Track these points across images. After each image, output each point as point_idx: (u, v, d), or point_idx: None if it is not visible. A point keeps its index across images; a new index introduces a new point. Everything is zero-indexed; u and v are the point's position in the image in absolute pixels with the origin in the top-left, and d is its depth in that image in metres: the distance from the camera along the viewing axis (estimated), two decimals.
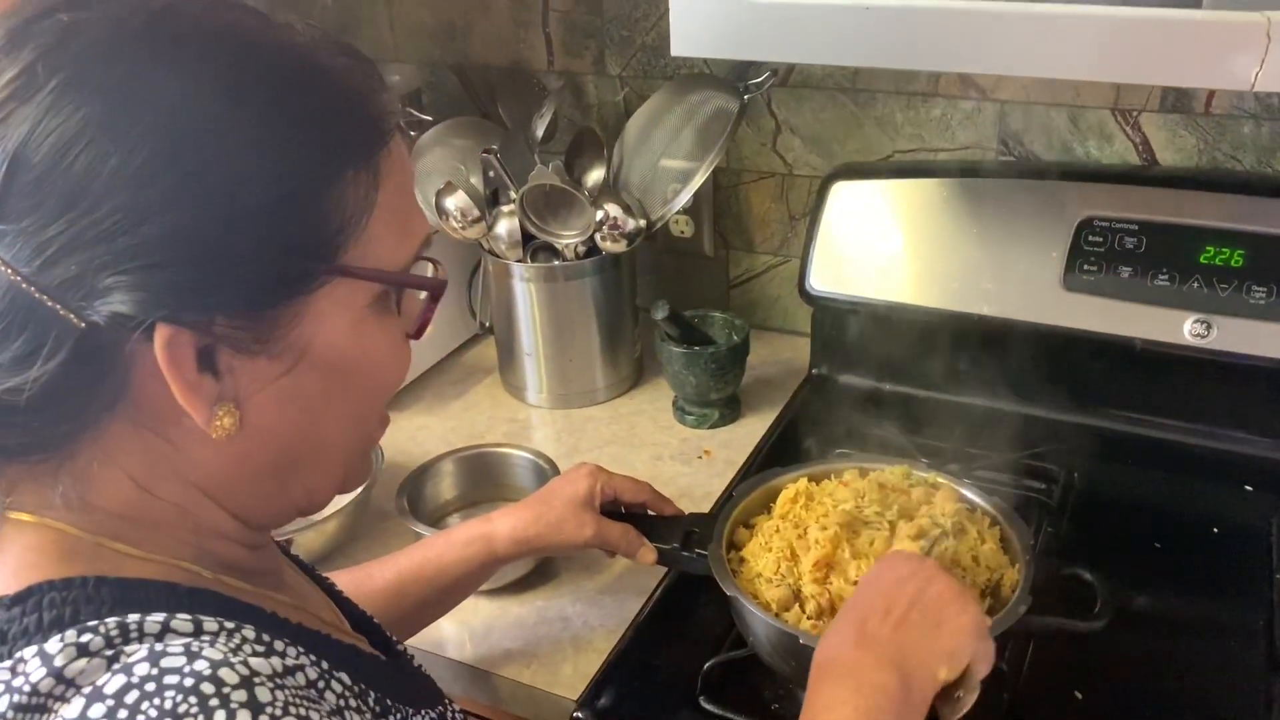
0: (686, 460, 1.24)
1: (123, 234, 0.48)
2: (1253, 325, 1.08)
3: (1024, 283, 1.18)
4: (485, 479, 1.15)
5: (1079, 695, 0.89)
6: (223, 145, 0.50)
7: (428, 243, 0.61)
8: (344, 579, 0.85)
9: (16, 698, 0.47)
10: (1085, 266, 1.15)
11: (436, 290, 0.61)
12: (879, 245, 1.25)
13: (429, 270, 0.62)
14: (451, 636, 1.00)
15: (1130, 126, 1.20)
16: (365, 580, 0.89)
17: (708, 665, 0.91)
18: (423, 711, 0.64)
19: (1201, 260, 1.11)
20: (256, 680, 0.48)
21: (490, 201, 1.30)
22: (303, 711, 0.48)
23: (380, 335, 0.58)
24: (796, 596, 0.86)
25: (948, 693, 0.70)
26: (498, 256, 1.30)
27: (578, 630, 1.00)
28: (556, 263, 1.29)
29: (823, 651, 0.72)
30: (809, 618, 0.85)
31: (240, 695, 0.46)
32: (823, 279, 1.28)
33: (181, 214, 0.49)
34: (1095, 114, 1.21)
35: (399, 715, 0.61)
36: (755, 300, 1.50)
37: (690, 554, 0.93)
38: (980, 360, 1.24)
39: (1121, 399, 1.20)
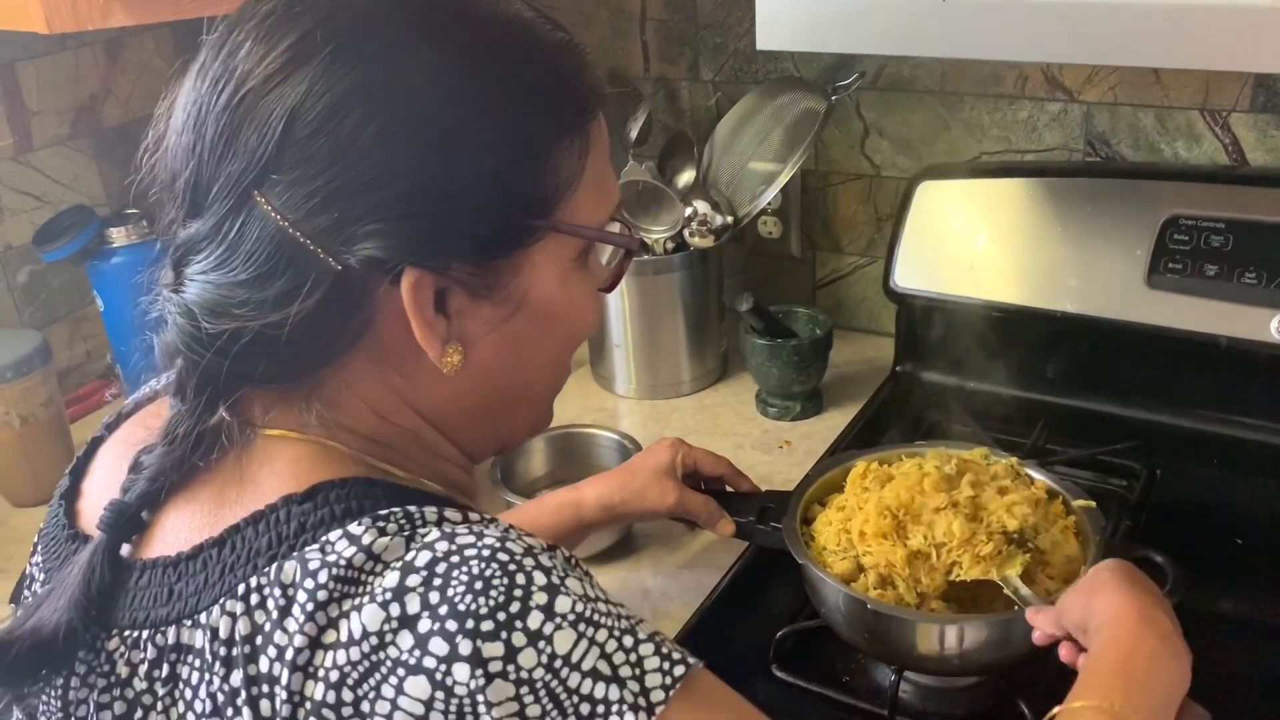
0: (767, 450, 1.28)
1: (380, 188, 0.54)
2: None
3: (1108, 280, 1.19)
4: (573, 458, 1.20)
5: None
6: (465, 112, 0.56)
7: (620, 207, 0.67)
8: None
9: (335, 570, 0.52)
10: (1170, 264, 1.16)
11: (632, 246, 0.68)
12: (964, 244, 1.28)
13: (619, 230, 0.68)
14: None
15: (1219, 126, 1.20)
16: None
17: (780, 634, 0.94)
18: None
19: None
20: (536, 550, 0.54)
21: None
22: (578, 574, 0.54)
23: (581, 287, 0.64)
24: (860, 568, 0.89)
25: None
26: None
27: (656, 601, 1.04)
28: (646, 257, 1.34)
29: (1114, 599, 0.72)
30: (874, 588, 0.88)
31: (530, 561, 0.53)
32: (908, 276, 1.31)
33: (429, 172, 0.55)
34: (1183, 114, 1.21)
35: None
36: (841, 300, 1.53)
37: (765, 527, 0.98)
38: (1064, 358, 1.25)
39: (1205, 397, 1.19)
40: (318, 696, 0.51)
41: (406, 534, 0.54)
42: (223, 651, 0.54)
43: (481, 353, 0.61)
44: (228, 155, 0.55)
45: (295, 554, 0.53)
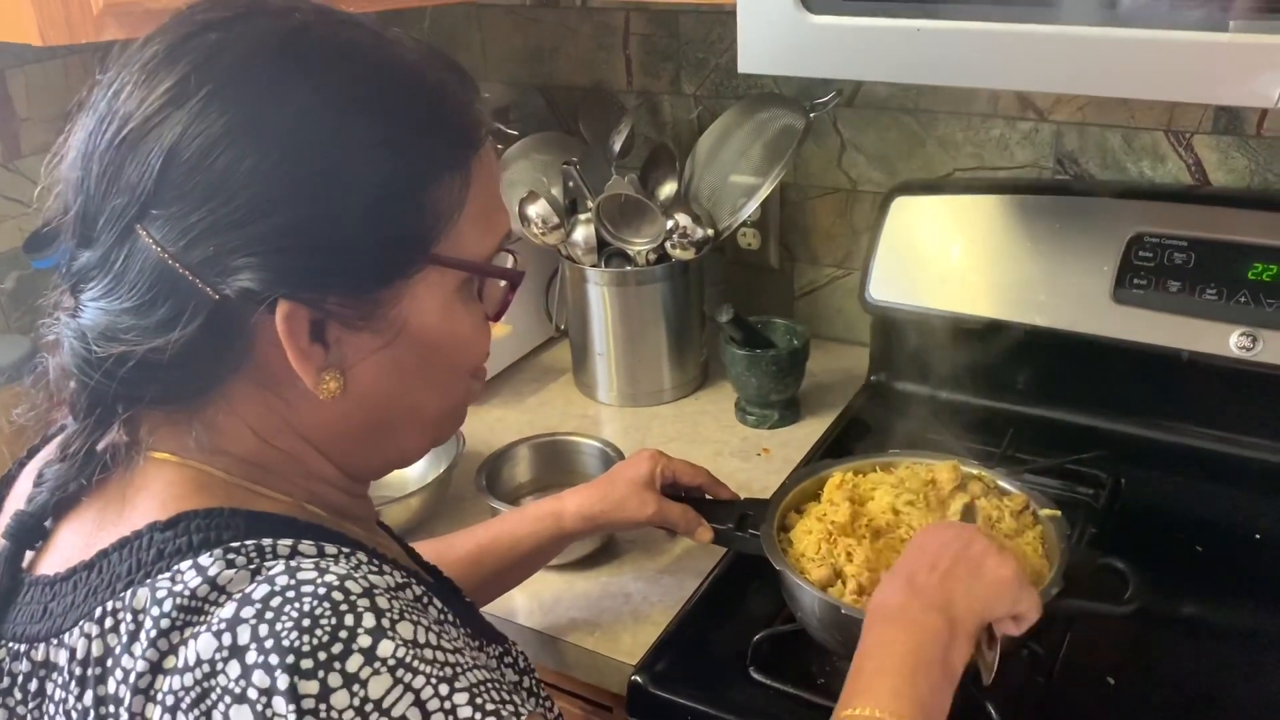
0: (746, 457, 1.31)
1: (254, 222, 0.57)
2: None
3: (1076, 295, 1.22)
4: (556, 465, 1.23)
5: (1111, 681, 0.94)
6: (340, 150, 0.58)
7: (509, 237, 0.69)
8: (426, 549, 0.92)
9: (179, 600, 0.55)
10: (1135, 281, 1.20)
11: (515, 279, 0.69)
12: (937, 257, 1.31)
13: (509, 262, 0.70)
14: (523, 606, 1.08)
15: (1183, 148, 1.25)
16: (446, 550, 0.97)
17: (757, 638, 0.97)
18: (493, 644, 0.72)
19: (1249, 276, 1.15)
20: (376, 591, 0.55)
21: (569, 210, 1.39)
22: (414, 617, 0.56)
23: (465, 317, 0.66)
24: (838, 575, 0.92)
25: (981, 650, 0.77)
26: (574, 262, 1.39)
27: (638, 605, 1.07)
28: (629, 268, 1.37)
29: (874, 601, 0.79)
30: (851, 595, 0.91)
31: (364, 602, 0.54)
32: (882, 289, 1.35)
33: (304, 208, 0.58)
34: (1149, 135, 1.26)
35: (477, 642, 0.69)
36: (818, 311, 1.56)
37: (744, 534, 1.01)
38: (1032, 369, 1.29)
39: (1168, 409, 1.24)
40: (155, 718, 0.54)
41: (253, 567, 0.56)
42: (78, 671, 0.57)
43: (362, 379, 0.63)
44: (111, 191, 0.58)
45: (149, 581, 0.57)
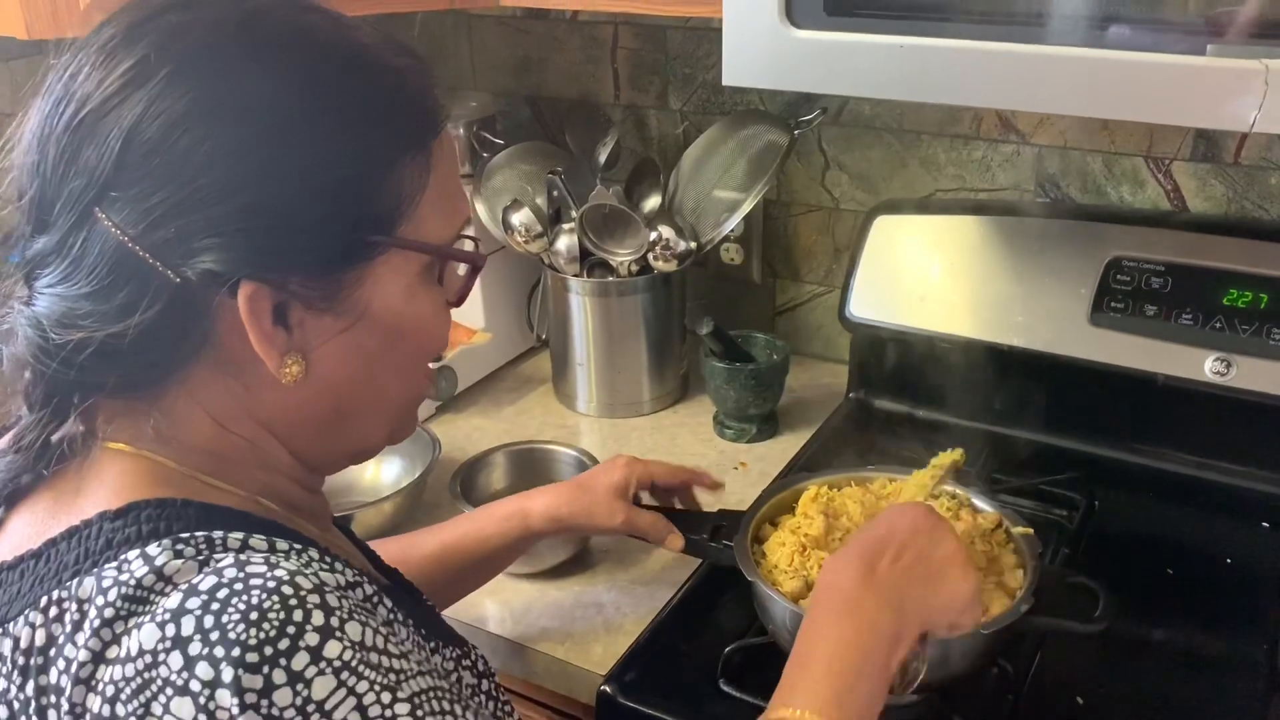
0: (723, 471, 1.30)
1: (216, 204, 0.56)
2: (1273, 366, 1.13)
3: (1053, 317, 1.23)
4: (533, 472, 1.23)
5: (1080, 700, 0.94)
6: (301, 132, 0.58)
7: (469, 224, 0.69)
8: (390, 547, 0.92)
9: (124, 590, 0.54)
10: (1112, 304, 1.21)
11: (477, 263, 0.69)
12: (917, 276, 1.32)
13: (470, 248, 0.69)
14: (493, 614, 1.08)
15: (1162, 174, 1.26)
16: (410, 548, 0.96)
17: (728, 649, 0.97)
18: (451, 646, 0.71)
19: (1225, 302, 1.16)
20: (326, 588, 0.55)
21: (553, 220, 1.39)
22: (363, 618, 0.55)
23: (427, 302, 0.66)
24: (809, 587, 0.92)
25: (908, 659, 0.75)
26: (557, 271, 1.39)
27: (610, 615, 1.07)
28: (611, 279, 1.37)
29: (830, 576, 0.76)
30: None
31: (314, 599, 0.54)
32: (862, 306, 1.35)
33: (265, 189, 0.57)
34: (1129, 160, 1.27)
35: (433, 644, 0.68)
36: (799, 327, 1.57)
37: (717, 544, 1.00)
38: (1009, 389, 1.29)
39: (1143, 432, 1.24)
40: (95, 709, 0.53)
41: (201, 558, 0.56)
42: (21, 660, 0.56)
43: (324, 363, 0.63)
44: (69, 174, 0.57)
45: (95, 570, 0.56)
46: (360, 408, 0.67)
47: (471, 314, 1.48)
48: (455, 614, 1.05)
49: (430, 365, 0.72)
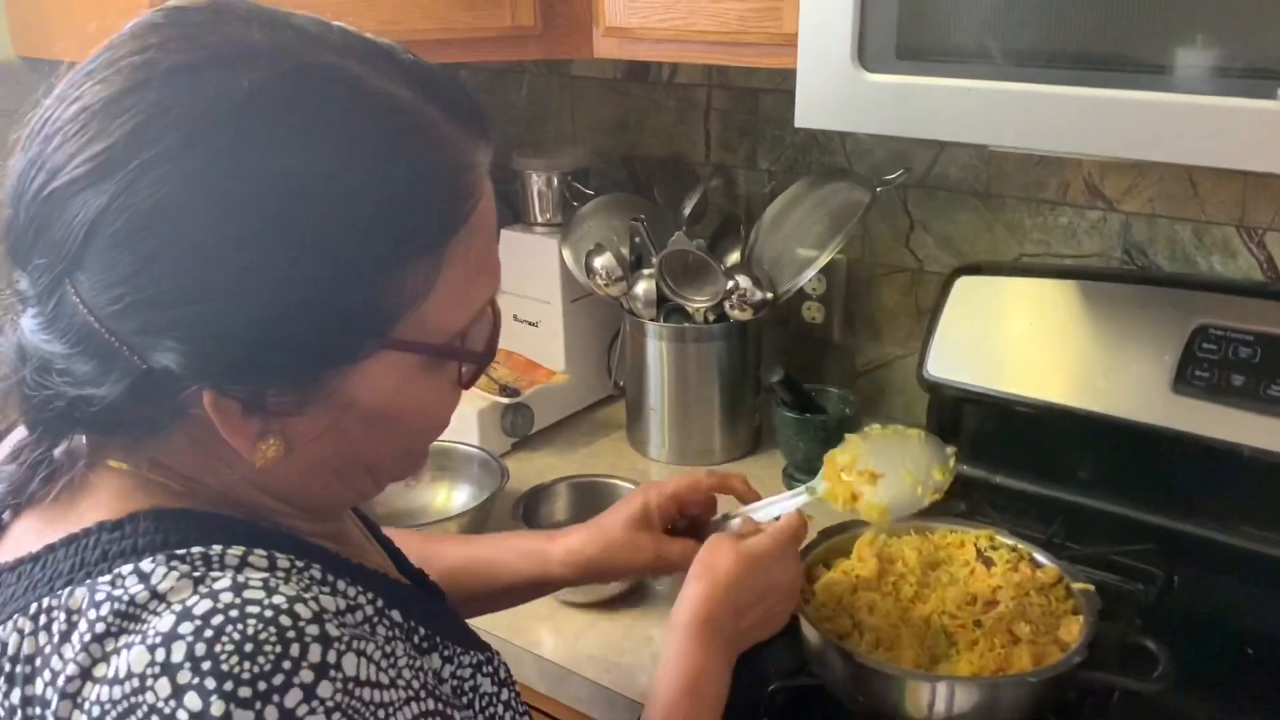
0: None
1: (180, 306, 0.53)
2: None
3: (1135, 384, 1.20)
4: (594, 505, 1.22)
5: None
6: (283, 242, 0.52)
7: (493, 298, 0.63)
8: (415, 543, 0.89)
9: (116, 605, 0.53)
10: (1197, 373, 1.17)
11: (480, 362, 0.64)
12: (997, 339, 1.30)
13: (486, 327, 0.64)
14: (545, 639, 1.08)
15: (1255, 244, 1.23)
16: (434, 556, 0.90)
17: (772, 688, 0.96)
18: (471, 652, 0.69)
19: None
20: (325, 615, 0.53)
21: (634, 265, 1.43)
22: (360, 646, 0.53)
23: (428, 389, 0.61)
24: (855, 626, 0.91)
25: None
26: (635, 315, 1.42)
27: (659, 648, 1.05)
28: (687, 325, 1.39)
29: (691, 615, 0.83)
30: (868, 646, 0.89)
31: (312, 630, 0.52)
32: (941, 366, 1.34)
33: (236, 300, 0.53)
34: (1220, 229, 1.24)
35: (448, 650, 0.67)
36: (879, 389, 1.55)
37: None
38: (1087, 457, 1.26)
39: (1227, 507, 1.19)
40: None
41: (197, 575, 0.54)
42: (7, 667, 0.55)
43: (305, 446, 0.59)
44: (38, 244, 0.55)
45: (88, 581, 0.54)
46: (352, 475, 0.64)
47: (552, 356, 1.52)
48: (509, 637, 1.06)
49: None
